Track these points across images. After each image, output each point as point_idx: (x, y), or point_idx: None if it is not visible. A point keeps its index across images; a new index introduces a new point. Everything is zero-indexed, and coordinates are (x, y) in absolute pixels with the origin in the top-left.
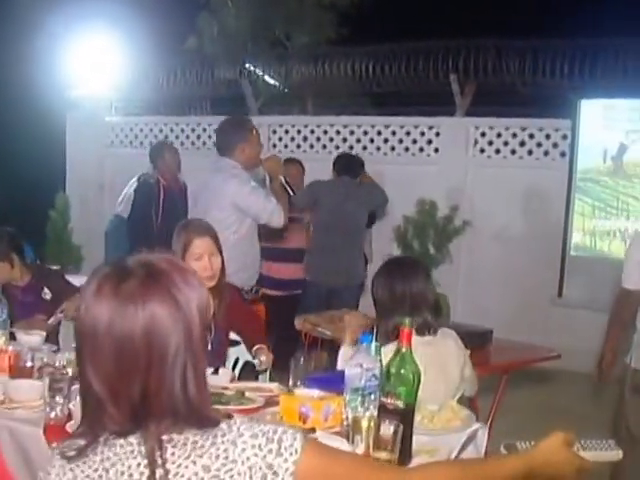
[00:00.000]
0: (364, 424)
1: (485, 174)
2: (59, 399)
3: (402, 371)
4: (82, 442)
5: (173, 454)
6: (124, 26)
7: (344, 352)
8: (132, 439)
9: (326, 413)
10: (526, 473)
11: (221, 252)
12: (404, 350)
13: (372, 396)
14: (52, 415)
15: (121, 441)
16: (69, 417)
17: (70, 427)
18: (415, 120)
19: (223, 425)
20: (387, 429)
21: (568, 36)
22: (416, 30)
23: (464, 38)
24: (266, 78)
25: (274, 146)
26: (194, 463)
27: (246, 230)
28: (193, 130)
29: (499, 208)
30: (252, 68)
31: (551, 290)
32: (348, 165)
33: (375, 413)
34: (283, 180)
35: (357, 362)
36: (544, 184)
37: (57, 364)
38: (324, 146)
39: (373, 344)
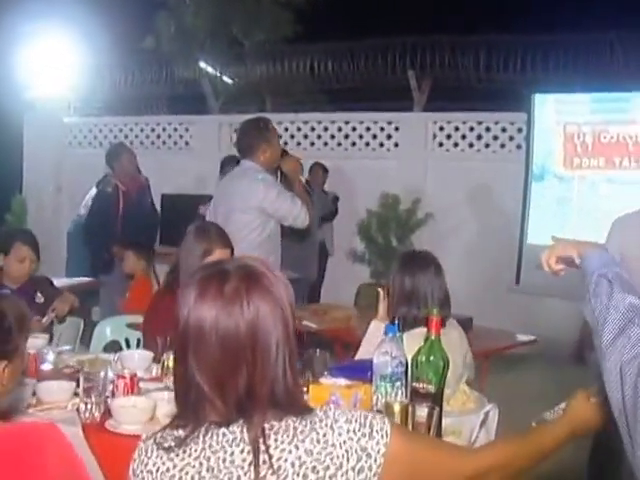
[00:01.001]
0: (396, 408)
1: (444, 167)
2: (94, 398)
3: (432, 358)
4: (181, 433)
5: (276, 440)
6: (81, 26)
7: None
8: (234, 427)
9: (354, 400)
10: (569, 435)
11: None
12: (433, 338)
13: (399, 382)
14: (87, 414)
15: (223, 430)
16: (105, 415)
17: (109, 425)
18: (374, 116)
19: (319, 412)
20: (422, 412)
21: (520, 32)
22: (373, 27)
23: (420, 35)
24: (224, 78)
25: None
26: (297, 448)
27: (270, 230)
28: (153, 130)
29: (458, 200)
30: (209, 68)
31: (509, 278)
32: None
33: (404, 399)
34: (303, 180)
35: (384, 350)
36: (501, 176)
37: (72, 364)
38: (285, 143)
39: (397, 333)
